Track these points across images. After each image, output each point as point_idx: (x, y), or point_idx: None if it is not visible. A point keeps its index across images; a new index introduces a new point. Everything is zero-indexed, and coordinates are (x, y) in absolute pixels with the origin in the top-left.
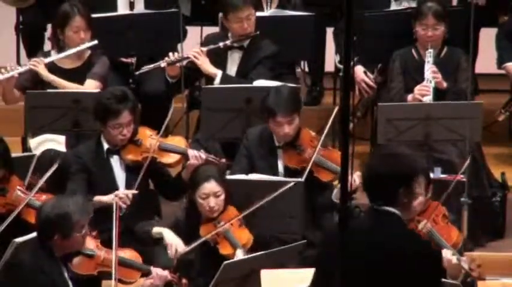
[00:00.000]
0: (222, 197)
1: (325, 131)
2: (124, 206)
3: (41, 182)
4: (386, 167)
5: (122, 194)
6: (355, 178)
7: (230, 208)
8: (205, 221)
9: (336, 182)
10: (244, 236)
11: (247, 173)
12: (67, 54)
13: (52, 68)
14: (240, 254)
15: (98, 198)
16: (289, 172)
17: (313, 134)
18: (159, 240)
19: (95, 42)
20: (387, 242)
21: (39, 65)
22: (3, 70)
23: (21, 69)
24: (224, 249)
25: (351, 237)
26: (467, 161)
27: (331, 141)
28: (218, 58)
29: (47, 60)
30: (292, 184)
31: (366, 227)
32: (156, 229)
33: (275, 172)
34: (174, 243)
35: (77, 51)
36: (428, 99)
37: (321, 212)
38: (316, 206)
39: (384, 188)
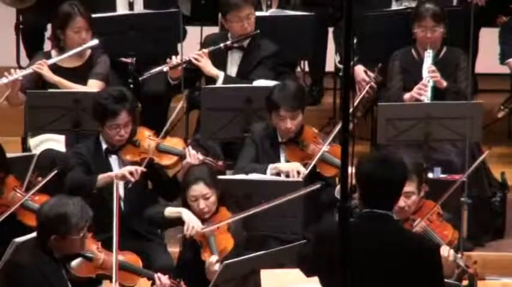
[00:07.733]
0: (212, 199)
1: (336, 130)
2: (132, 180)
3: (40, 185)
4: (388, 174)
5: (132, 169)
6: None
7: (222, 209)
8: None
9: (337, 178)
10: (224, 242)
11: (255, 161)
12: (69, 55)
13: (53, 68)
14: (213, 260)
15: (102, 175)
16: None
17: (316, 131)
18: (172, 221)
19: (96, 41)
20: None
21: (43, 67)
22: (6, 73)
23: (25, 72)
24: (204, 254)
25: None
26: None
27: (332, 141)
28: (218, 59)
29: (50, 62)
30: (316, 186)
31: (366, 233)
32: (170, 209)
33: None
34: (192, 222)
35: (78, 52)
36: (424, 99)
37: (322, 211)
38: (317, 204)
39: (386, 194)
